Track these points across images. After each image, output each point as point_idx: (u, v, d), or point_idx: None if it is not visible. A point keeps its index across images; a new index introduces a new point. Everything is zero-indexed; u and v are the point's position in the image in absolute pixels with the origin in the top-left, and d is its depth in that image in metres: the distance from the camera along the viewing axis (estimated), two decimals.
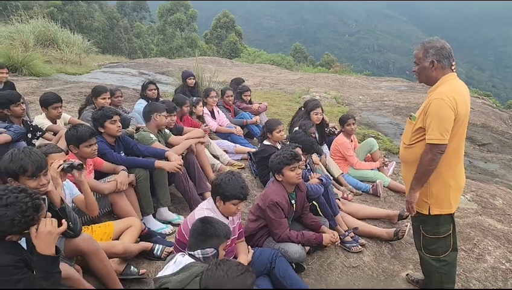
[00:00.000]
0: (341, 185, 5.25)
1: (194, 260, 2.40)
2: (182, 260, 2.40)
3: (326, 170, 5.28)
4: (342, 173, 5.34)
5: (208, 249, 2.43)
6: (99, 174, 3.85)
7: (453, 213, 3.06)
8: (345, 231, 4.09)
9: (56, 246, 2.08)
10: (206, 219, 2.60)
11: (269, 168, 3.75)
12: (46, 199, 2.58)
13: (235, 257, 3.28)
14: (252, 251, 3.34)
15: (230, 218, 3.14)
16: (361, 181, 5.34)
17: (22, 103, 4.32)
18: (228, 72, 16.09)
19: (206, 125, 5.82)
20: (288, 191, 3.66)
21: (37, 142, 4.35)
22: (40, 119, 4.78)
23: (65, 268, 2.47)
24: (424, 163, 2.85)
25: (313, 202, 4.00)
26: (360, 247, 4.01)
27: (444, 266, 3.08)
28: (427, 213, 2.99)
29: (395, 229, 4.17)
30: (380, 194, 5.12)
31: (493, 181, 7.04)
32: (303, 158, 4.06)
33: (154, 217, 4.10)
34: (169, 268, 2.39)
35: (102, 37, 42.71)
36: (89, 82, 11.04)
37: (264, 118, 6.77)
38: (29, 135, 4.24)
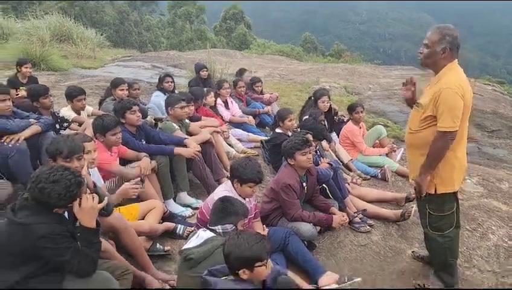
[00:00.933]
0: (350, 170, 5.47)
1: (215, 235, 2.66)
2: (203, 234, 2.67)
3: (336, 156, 5.50)
4: (351, 159, 5.56)
5: (227, 225, 2.70)
6: (124, 162, 4.13)
7: (457, 192, 3.27)
8: (354, 213, 4.33)
9: (96, 219, 2.36)
10: (226, 198, 2.87)
11: (282, 153, 4.00)
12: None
13: None
14: (267, 229, 3.60)
15: (246, 199, 3.40)
16: (369, 167, 5.56)
17: (50, 95, 4.62)
18: (238, 63, 16.27)
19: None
20: (299, 175, 3.90)
21: (64, 133, 4.65)
22: (66, 111, 5.09)
23: (102, 242, 2.76)
24: (437, 149, 3.03)
25: (323, 185, 4.23)
26: (368, 227, 4.25)
27: (448, 242, 3.30)
28: (434, 192, 3.19)
29: (401, 210, 4.40)
30: (388, 179, 5.33)
31: (501, 166, 7.19)
32: (313, 144, 4.31)
33: (174, 201, 4.38)
34: (192, 242, 2.65)
35: (113, 31, 43.09)
36: (104, 76, 11.33)
37: (275, 107, 6.99)
38: (57, 126, 4.54)
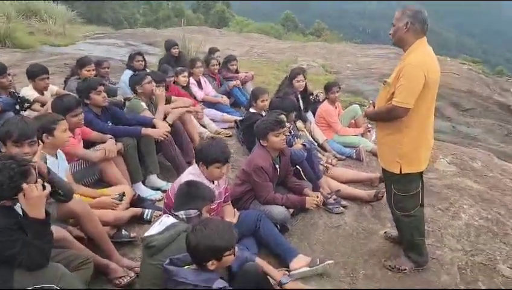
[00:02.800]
0: (325, 151, 5.41)
1: (178, 221, 2.54)
2: (166, 220, 2.55)
3: (311, 136, 5.42)
4: (327, 139, 5.48)
5: (190, 210, 2.58)
6: (88, 144, 3.94)
7: (422, 171, 3.24)
8: (328, 194, 4.27)
9: (46, 209, 2.19)
10: (191, 182, 2.74)
11: (254, 133, 3.87)
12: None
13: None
14: (238, 213, 3.51)
15: (215, 182, 3.28)
16: (345, 147, 5.50)
17: (8, 74, 4.36)
18: (215, 42, 15.89)
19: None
20: (272, 156, 3.80)
21: (25, 113, 4.41)
22: (27, 91, 4.82)
23: (58, 230, 2.61)
24: (382, 116, 3.17)
25: (297, 166, 4.15)
26: (342, 208, 4.20)
27: (414, 221, 3.31)
28: (399, 172, 3.15)
29: (375, 191, 4.37)
30: (363, 159, 5.29)
31: (475, 145, 7.26)
32: (287, 125, 4.20)
33: (144, 184, 4.23)
34: (155, 228, 2.53)
35: (85, 7, 41.61)
36: (74, 54, 10.88)
37: (250, 87, 6.83)
38: (17, 107, 4.30)
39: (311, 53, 12.90)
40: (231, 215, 3.47)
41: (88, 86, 4.08)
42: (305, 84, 5.76)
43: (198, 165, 3.21)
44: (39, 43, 12.12)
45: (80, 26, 18.71)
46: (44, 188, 2.23)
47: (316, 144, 5.32)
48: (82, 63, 5.42)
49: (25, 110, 4.40)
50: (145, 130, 4.05)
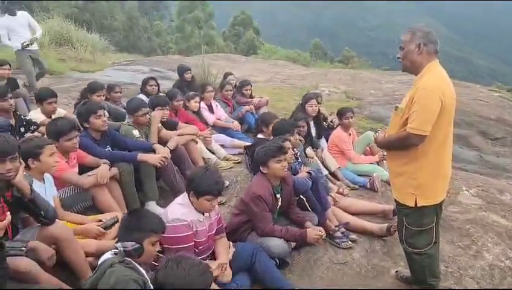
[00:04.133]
0: (338, 179, 5.11)
1: (111, 256, 2.31)
2: (104, 256, 2.34)
3: (323, 164, 5.15)
4: (339, 167, 5.19)
5: (127, 242, 2.33)
6: (84, 169, 3.83)
7: (438, 204, 2.92)
8: (335, 227, 3.96)
9: (1, 241, 2.00)
10: (134, 211, 2.56)
11: (255, 160, 3.66)
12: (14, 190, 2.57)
13: (213, 255, 3.20)
14: (233, 249, 3.26)
15: (206, 213, 3.06)
16: (358, 175, 5.18)
17: (10, 98, 4.35)
18: (241, 68, 16.03)
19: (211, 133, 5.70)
20: (273, 184, 3.56)
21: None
22: (35, 114, 4.82)
23: (24, 263, 2.45)
24: (395, 144, 2.89)
25: (301, 196, 3.88)
26: (350, 243, 3.88)
27: (427, 260, 2.99)
28: (414, 205, 2.86)
29: (387, 224, 4.03)
30: (377, 189, 4.95)
31: (504, 176, 6.75)
32: (291, 152, 3.97)
33: None
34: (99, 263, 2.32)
35: (122, 36, 43.24)
36: (100, 79, 11.07)
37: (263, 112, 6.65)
38: (23, 129, 4.28)
39: (334, 80, 12.68)
40: (225, 249, 3.23)
41: (88, 109, 4.00)
42: (318, 109, 5.52)
43: (188, 195, 3.00)
44: (69, 69, 12.47)
45: (112, 54, 19.27)
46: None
47: (327, 172, 5.04)
48: (93, 88, 5.39)
49: (32, 132, 4.38)
50: (141, 156, 3.90)
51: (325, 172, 5.01)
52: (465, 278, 3.56)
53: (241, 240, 3.52)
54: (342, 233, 3.94)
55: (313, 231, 3.47)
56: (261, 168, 3.53)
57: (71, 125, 3.59)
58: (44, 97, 4.79)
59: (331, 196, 4.39)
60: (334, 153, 5.32)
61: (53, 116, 4.91)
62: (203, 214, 3.03)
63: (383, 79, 13.25)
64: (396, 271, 3.55)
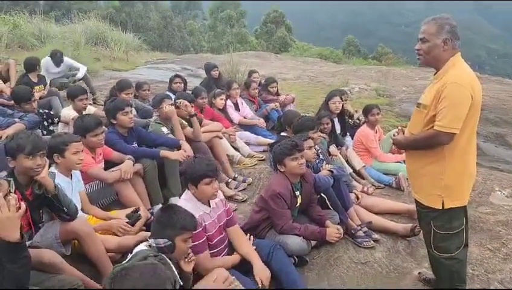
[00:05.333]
0: (363, 178, 5.03)
1: (145, 248, 2.36)
2: (138, 247, 2.39)
3: (347, 162, 5.08)
4: (364, 166, 5.10)
5: (160, 239, 2.37)
6: (110, 165, 3.93)
7: (466, 205, 2.81)
8: (358, 226, 3.90)
9: (21, 231, 2.07)
10: (167, 207, 2.58)
11: (272, 159, 3.66)
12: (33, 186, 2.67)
13: (230, 248, 3.21)
14: (251, 240, 3.26)
15: (213, 204, 3.07)
16: (385, 174, 5.08)
17: (34, 100, 4.52)
18: (270, 65, 16.01)
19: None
20: (292, 182, 3.54)
21: (58, 128, 4.59)
22: (67, 111, 5.01)
23: (50, 254, 2.55)
24: (420, 144, 2.74)
25: (322, 194, 3.85)
26: (372, 242, 3.81)
27: (456, 264, 2.85)
28: (441, 207, 2.74)
29: (412, 224, 3.93)
30: (403, 188, 4.83)
31: None
32: (313, 150, 3.94)
33: None
34: (129, 256, 2.38)
35: (157, 35, 44.09)
36: (132, 78, 11.35)
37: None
38: (46, 123, 4.45)
39: (365, 76, 12.45)
40: (242, 236, 3.21)
41: (115, 106, 4.11)
42: (342, 106, 5.45)
43: (188, 189, 3.03)
44: (103, 68, 12.83)
45: (145, 53, 19.73)
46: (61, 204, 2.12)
47: (351, 170, 4.97)
48: (121, 86, 5.53)
49: (56, 125, 4.55)
50: (164, 152, 3.97)
51: (349, 170, 4.95)
52: (492, 281, 3.42)
53: (260, 237, 3.52)
54: (364, 232, 3.87)
55: (333, 230, 3.44)
56: (278, 167, 3.52)
57: (97, 121, 3.71)
58: (75, 94, 4.97)
59: (354, 194, 4.32)
60: (359, 151, 5.24)
61: (84, 113, 5.11)
62: (209, 205, 3.05)
63: (416, 76, 12.90)
64: (419, 272, 3.45)
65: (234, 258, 3.12)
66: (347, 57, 34.17)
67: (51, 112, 4.70)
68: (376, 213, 4.23)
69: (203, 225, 2.97)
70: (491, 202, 4.75)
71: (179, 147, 4.15)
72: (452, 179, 2.70)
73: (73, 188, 3.22)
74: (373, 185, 4.91)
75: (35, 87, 6.62)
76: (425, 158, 2.76)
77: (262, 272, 2.95)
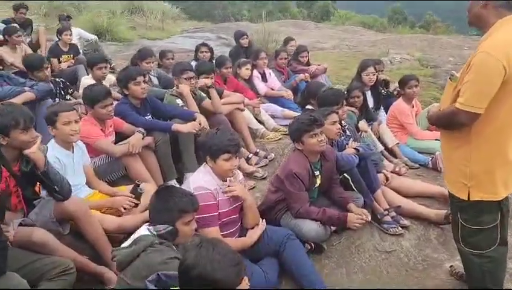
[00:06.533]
0: (396, 157, 4.60)
1: (148, 233, 2.15)
2: (139, 231, 2.19)
3: (379, 139, 4.66)
4: (398, 143, 4.66)
5: (159, 225, 2.15)
6: (123, 138, 3.75)
7: (503, 200, 2.39)
8: (385, 210, 3.55)
9: None
10: (161, 191, 2.32)
11: (289, 135, 3.34)
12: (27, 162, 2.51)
13: (241, 231, 2.98)
14: (264, 225, 3.00)
15: (228, 181, 2.83)
16: (420, 153, 4.62)
17: (46, 68, 4.37)
18: (308, 34, 15.37)
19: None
20: (311, 161, 3.22)
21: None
22: (86, 80, 4.87)
23: (41, 234, 2.41)
24: (443, 122, 2.42)
25: (344, 174, 3.50)
26: (400, 229, 3.45)
27: (488, 264, 2.45)
28: (466, 198, 2.36)
29: (447, 211, 3.52)
30: (440, 169, 4.35)
31: None
32: (337, 126, 3.57)
33: (181, 182, 3.94)
34: (130, 239, 2.18)
35: (198, 5, 43.75)
36: (166, 46, 11.14)
37: (322, 81, 6.19)
38: (62, 92, 4.32)
39: (408, 45, 11.62)
40: (254, 218, 2.97)
41: (127, 75, 3.88)
42: (377, 78, 4.97)
43: (206, 162, 2.81)
44: (138, 37, 12.74)
45: (182, 22, 19.48)
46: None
47: (382, 148, 4.55)
48: (142, 54, 5.30)
49: (71, 94, 4.42)
50: (176, 126, 3.74)
51: (381, 148, 4.53)
52: None
53: (276, 219, 3.26)
54: (391, 217, 3.51)
55: (354, 216, 3.11)
56: (296, 145, 3.20)
57: (106, 91, 3.51)
58: (94, 63, 4.80)
59: (383, 174, 3.93)
60: (393, 127, 4.79)
61: (103, 82, 4.95)
62: (225, 181, 2.81)
63: (465, 45, 11.91)
64: (451, 266, 3.09)
65: (244, 241, 2.89)
66: (392, 26, 32.46)
67: (67, 82, 4.56)
68: (407, 196, 3.83)
69: (217, 199, 2.77)
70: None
71: (194, 120, 3.90)
72: (480, 167, 2.30)
73: (74, 162, 3.06)
74: (406, 164, 4.47)
75: (63, 56, 6.57)
76: (453, 140, 2.38)
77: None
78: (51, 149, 2.85)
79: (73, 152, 3.09)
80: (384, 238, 3.40)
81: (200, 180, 2.77)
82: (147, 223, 2.26)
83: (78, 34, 7.73)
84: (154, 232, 2.17)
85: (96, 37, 8.17)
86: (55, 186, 2.56)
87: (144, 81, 3.97)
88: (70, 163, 3.02)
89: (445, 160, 2.56)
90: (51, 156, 2.77)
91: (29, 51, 6.39)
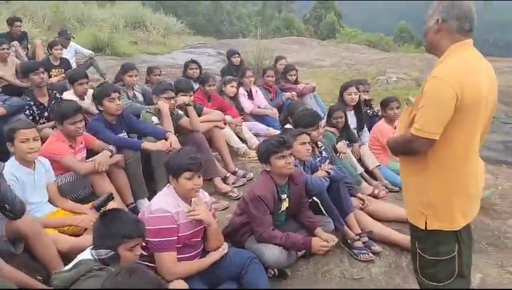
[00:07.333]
0: (376, 179, 4.52)
1: (90, 257, 2.09)
2: (82, 255, 2.13)
3: (360, 160, 4.58)
4: (379, 165, 4.58)
5: (101, 250, 2.09)
6: (96, 154, 3.71)
7: (459, 230, 2.29)
8: (356, 235, 3.45)
9: None
10: (105, 215, 2.26)
11: (258, 157, 3.28)
12: None
13: (202, 254, 2.90)
14: (226, 248, 2.91)
15: (192, 203, 2.76)
16: None
17: (42, 72, 4.38)
18: (309, 52, 15.42)
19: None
20: (278, 184, 3.15)
21: None
22: (68, 96, 4.84)
23: None
24: (399, 148, 2.31)
25: (314, 198, 3.42)
26: (371, 255, 3.35)
27: None
28: (424, 227, 2.27)
29: None
30: None
31: None
32: (306, 146, 3.51)
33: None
34: (72, 262, 2.12)
35: (206, 20, 44.25)
36: (164, 61, 11.29)
37: (308, 100, 6.16)
38: (37, 117, 4.32)
39: (407, 65, 11.59)
40: (217, 242, 2.88)
41: (102, 92, 3.87)
42: (359, 98, 4.92)
43: (170, 183, 2.75)
44: (139, 51, 12.81)
45: (187, 37, 19.65)
46: None
47: (362, 170, 4.47)
48: (124, 68, 5.32)
49: (46, 119, 4.41)
50: (145, 144, 3.71)
51: (360, 170, 4.45)
52: None
53: (241, 242, 3.18)
54: (363, 243, 3.42)
55: (319, 241, 3.02)
56: (264, 166, 3.14)
57: (75, 108, 3.48)
58: (75, 78, 4.80)
59: (358, 198, 3.84)
60: (375, 149, 4.72)
61: (85, 98, 4.94)
62: (190, 204, 2.74)
63: None
64: None
65: (202, 262, 2.79)
66: (398, 45, 32.48)
67: (48, 108, 4.58)
68: (383, 221, 3.75)
69: (178, 222, 2.69)
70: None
71: (166, 139, 3.86)
72: (436, 196, 2.20)
73: (35, 179, 3.02)
74: (386, 187, 4.39)
75: (53, 70, 6.59)
76: (410, 167, 2.29)
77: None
78: (10, 166, 2.82)
79: (34, 169, 3.05)
80: (354, 265, 3.30)
81: (161, 202, 2.71)
82: (91, 247, 2.20)
83: (74, 49, 7.80)
84: (96, 257, 2.11)
85: (92, 52, 8.20)
86: (6, 205, 2.51)
87: (119, 98, 3.95)
88: (30, 180, 2.98)
89: (404, 187, 2.47)
90: (8, 174, 2.73)
91: None
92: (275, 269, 3.05)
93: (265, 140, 3.21)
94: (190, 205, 2.75)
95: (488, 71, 2.19)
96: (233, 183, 4.38)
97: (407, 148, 2.22)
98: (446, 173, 2.18)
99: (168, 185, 2.83)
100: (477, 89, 2.07)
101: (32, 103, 4.28)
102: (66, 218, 3.06)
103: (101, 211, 2.85)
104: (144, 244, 2.51)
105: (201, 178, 2.79)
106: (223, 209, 3.92)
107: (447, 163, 2.17)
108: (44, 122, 4.34)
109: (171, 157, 2.77)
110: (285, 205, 3.22)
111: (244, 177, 4.50)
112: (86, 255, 2.12)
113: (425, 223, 2.24)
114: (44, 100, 4.46)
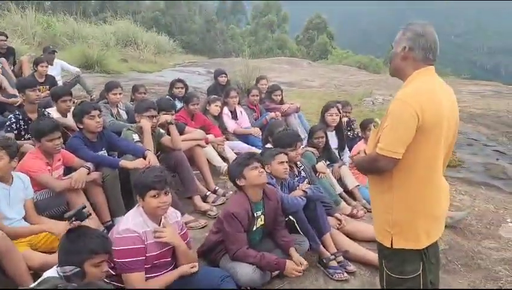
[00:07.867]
0: (355, 199, 4.56)
1: (55, 275, 2.09)
2: (47, 273, 2.12)
3: (340, 180, 4.63)
4: (358, 185, 4.63)
5: (66, 267, 2.10)
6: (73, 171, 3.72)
7: (424, 249, 2.33)
8: (332, 254, 3.47)
9: None
10: (71, 231, 2.27)
11: (230, 177, 3.31)
12: None
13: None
14: (196, 266, 2.90)
15: (163, 221, 2.78)
16: None
17: (38, 89, 4.43)
18: (298, 72, 15.63)
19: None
20: (252, 201, 3.17)
21: None
22: (51, 112, 4.86)
23: None
24: (366, 167, 2.39)
25: (290, 216, 3.45)
26: (345, 275, 3.36)
27: None
28: (390, 246, 2.31)
29: None
30: None
31: None
32: (283, 166, 3.55)
33: None
34: (38, 280, 2.12)
35: (200, 39, 44.69)
36: (152, 80, 11.35)
37: (293, 120, 6.22)
38: (22, 132, 4.32)
39: (394, 86, 11.72)
40: (188, 263, 2.87)
41: (82, 110, 3.90)
42: (340, 119, 5.00)
43: (138, 202, 2.76)
44: (128, 69, 12.87)
45: (178, 56, 19.80)
46: None
47: (341, 190, 4.52)
48: (108, 86, 5.36)
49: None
50: (123, 162, 3.73)
51: (339, 190, 4.50)
52: None
53: (215, 261, 3.19)
54: (338, 263, 3.43)
55: (292, 265, 3.04)
56: (238, 182, 3.16)
57: (53, 125, 3.50)
58: (59, 95, 4.83)
59: (336, 217, 3.88)
60: (354, 169, 4.77)
61: (68, 115, 4.96)
62: (160, 224, 2.75)
63: (455, 87, 12.09)
64: None
65: (169, 277, 2.77)
66: (388, 66, 32.99)
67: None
68: (360, 240, 3.78)
69: (146, 242, 2.69)
70: (499, 235, 4.16)
71: (144, 157, 3.88)
72: (401, 215, 2.25)
73: (11, 195, 3.02)
74: (365, 207, 4.43)
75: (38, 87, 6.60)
76: (377, 186, 2.35)
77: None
78: None
79: (11, 185, 3.05)
80: (328, 284, 3.30)
81: (129, 222, 2.70)
82: (57, 265, 2.20)
83: (60, 66, 7.82)
84: (61, 274, 2.11)
85: (79, 70, 8.23)
86: None
87: (99, 116, 3.98)
88: (5, 196, 2.98)
89: (372, 205, 2.52)
90: None
91: (5, 81, 6.43)
92: (248, 288, 3.04)
93: (234, 159, 3.26)
94: (160, 224, 2.76)
95: (449, 96, 2.28)
96: (213, 202, 4.40)
97: (373, 167, 2.28)
98: (410, 193, 2.24)
99: (137, 205, 2.81)
100: (438, 110, 2.15)
101: (20, 117, 4.30)
102: (42, 225, 3.05)
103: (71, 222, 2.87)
104: (112, 264, 2.52)
105: (169, 195, 2.78)
106: (201, 228, 3.93)
107: (411, 183, 2.23)
108: (29, 138, 4.36)
109: (137, 176, 2.76)
110: (260, 222, 3.24)
111: (224, 195, 4.52)
112: (52, 272, 2.12)
113: (391, 241, 2.29)
114: (34, 116, 4.45)
